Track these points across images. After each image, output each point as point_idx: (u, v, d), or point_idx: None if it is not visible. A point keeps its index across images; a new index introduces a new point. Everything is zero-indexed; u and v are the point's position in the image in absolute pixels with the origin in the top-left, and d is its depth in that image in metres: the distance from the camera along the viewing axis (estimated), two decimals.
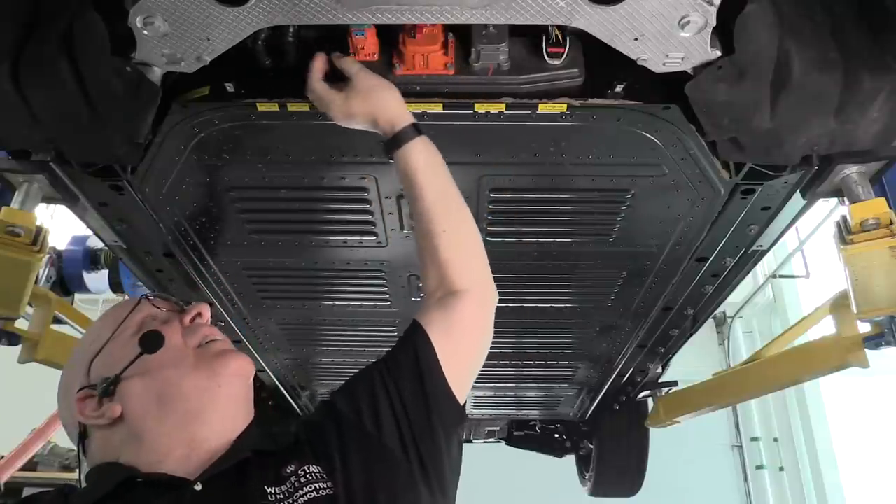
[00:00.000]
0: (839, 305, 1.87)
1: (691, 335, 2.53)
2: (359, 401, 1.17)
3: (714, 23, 1.12)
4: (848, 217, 1.50)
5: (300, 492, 1.03)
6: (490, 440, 4.44)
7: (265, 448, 1.11)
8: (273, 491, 1.03)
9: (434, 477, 1.13)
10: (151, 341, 1.11)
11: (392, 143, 1.29)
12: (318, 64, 1.32)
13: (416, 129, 1.29)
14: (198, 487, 1.03)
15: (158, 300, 1.24)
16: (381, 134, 1.31)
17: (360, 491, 1.06)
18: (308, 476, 1.06)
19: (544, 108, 1.38)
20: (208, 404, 1.10)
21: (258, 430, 1.17)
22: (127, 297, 3.69)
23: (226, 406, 1.12)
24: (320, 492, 1.03)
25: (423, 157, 1.29)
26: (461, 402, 1.23)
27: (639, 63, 1.20)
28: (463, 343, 1.27)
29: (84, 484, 1.10)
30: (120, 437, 1.09)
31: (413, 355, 1.21)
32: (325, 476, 1.06)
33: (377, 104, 1.29)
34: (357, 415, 1.15)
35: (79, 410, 1.12)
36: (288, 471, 1.06)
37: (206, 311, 1.23)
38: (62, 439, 5.17)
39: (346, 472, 1.08)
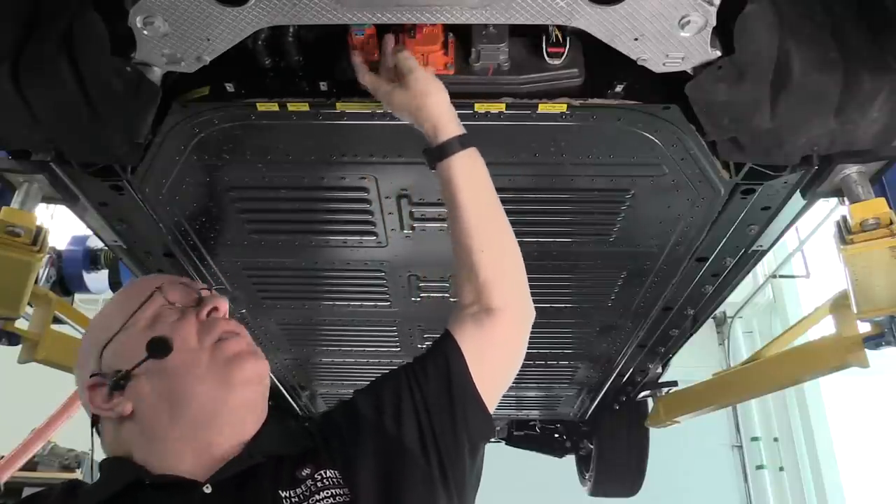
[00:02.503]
0: (839, 305, 1.87)
1: (691, 335, 2.53)
2: (382, 400, 1.16)
3: (714, 23, 1.12)
4: (848, 217, 1.50)
5: (315, 496, 1.02)
6: (490, 440, 4.43)
7: (281, 452, 1.09)
8: (287, 494, 1.02)
9: (454, 484, 1.12)
10: (158, 347, 1.07)
11: (434, 153, 1.25)
12: (360, 58, 1.29)
13: (462, 142, 1.24)
14: (207, 490, 1.01)
15: (173, 289, 1.18)
16: (425, 138, 1.27)
17: (378, 497, 1.05)
18: (324, 481, 1.04)
19: (544, 108, 1.37)
20: (220, 410, 1.07)
21: (275, 430, 1.15)
22: None
23: (238, 412, 1.09)
24: (337, 498, 1.02)
25: (465, 173, 1.24)
26: (490, 415, 1.22)
27: (639, 63, 1.20)
28: (495, 360, 1.24)
29: (96, 472, 1.10)
30: (130, 433, 1.08)
31: (444, 364, 1.19)
32: (341, 482, 1.05)
33: (422, 108, 1.24)
34: (378, 414, 1.14)
35: (89, 398, 1.10)
36: (303, 474, 1.05)
37: (224, 305, 1.18)
38: (62, 439, 5.18)
39: (364, 476, 1.06)
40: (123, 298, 1.19)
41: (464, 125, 1.35)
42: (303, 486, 1.03)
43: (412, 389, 1.16)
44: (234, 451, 1.07)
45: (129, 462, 1.06)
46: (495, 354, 1.24)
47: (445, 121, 1.24)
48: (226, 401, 1.08)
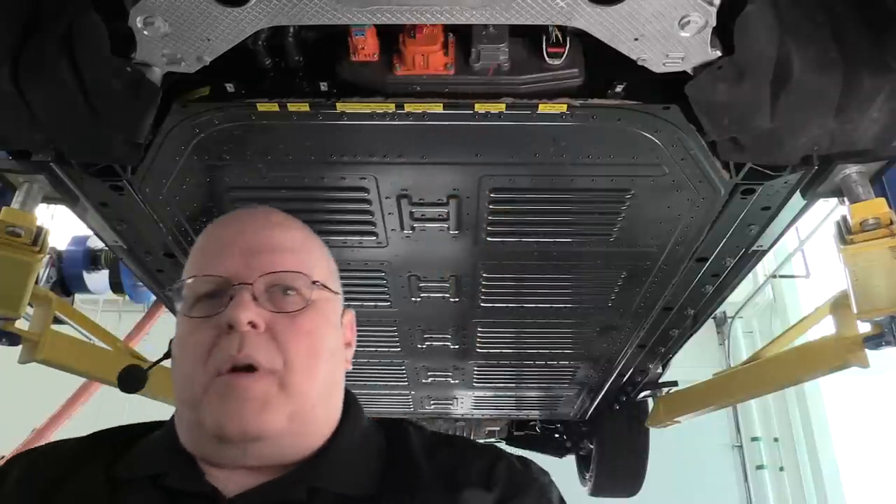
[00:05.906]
0: (839, 305, 1.87)
1: (691, 335, 2.53)
2: None
3: (714, 23, 1.12)
4: (848, 217, 1.50)
5: None
6: (490, 440, 4.44)
7: (332, 489, 0.88)
8: None
9: None
10: (126, 383, 0.99)
11: None
12: None
13: None
14: None
15: (208, 281, 0.96)
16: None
17: None
18: None
19: (544, 108, 1.38)
20: (218, 442, 0.89)
21: (344, 455, 0.94)
22: (127, 297, 3.70)
23: (240, 458, 0.89)
24: None
25: None
26: None
27: (639, 63, 1.20)
28: None
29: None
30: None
31: None
32: None
33: None
34: None
35: None
36: None
37: (242, 318, 0.89)
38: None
39: None
40: (197, 249, 1.07)
41: (463, 125, 1.35)
42: None
43: None
44: (273, 471, 0.89)
45: (169, 450, 0.94)
46: None
47: None
48: (217, 446, 0.89)
